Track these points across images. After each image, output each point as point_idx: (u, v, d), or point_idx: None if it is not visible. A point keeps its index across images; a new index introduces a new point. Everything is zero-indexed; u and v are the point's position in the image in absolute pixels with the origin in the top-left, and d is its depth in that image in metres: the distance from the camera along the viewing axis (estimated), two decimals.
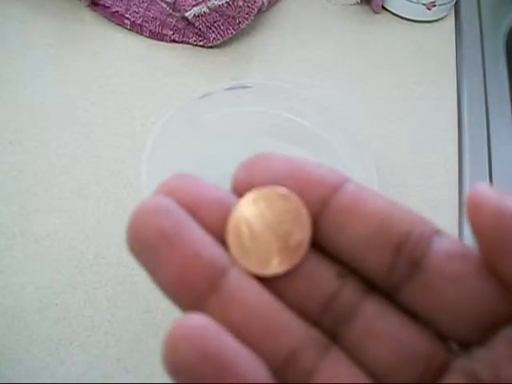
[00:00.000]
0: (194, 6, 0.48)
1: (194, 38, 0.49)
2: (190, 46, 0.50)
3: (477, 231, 0.12)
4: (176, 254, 0.12)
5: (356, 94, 0.47)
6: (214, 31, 0.48)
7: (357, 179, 0.14)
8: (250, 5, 0.48)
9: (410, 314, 0.13)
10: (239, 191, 0.14)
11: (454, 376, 0.13)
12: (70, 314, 0.33)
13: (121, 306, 0.33)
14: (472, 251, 0.13)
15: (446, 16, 0.56)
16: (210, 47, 0.49)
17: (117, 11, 0.50)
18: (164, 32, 0.49)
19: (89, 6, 0.51)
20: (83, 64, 0.47)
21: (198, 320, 0.12)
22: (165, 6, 0.49)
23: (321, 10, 0.55)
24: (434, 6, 0.53)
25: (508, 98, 0.50)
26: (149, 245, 0.12)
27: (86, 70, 0.47)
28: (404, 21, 0.55)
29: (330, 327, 0.13)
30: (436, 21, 0.55)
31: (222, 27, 0.48)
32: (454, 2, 0.55)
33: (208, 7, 0.47)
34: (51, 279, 0.34)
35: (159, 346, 0.33)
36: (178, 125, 0.36)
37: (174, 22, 0.49)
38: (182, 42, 0.50)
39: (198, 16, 0.47)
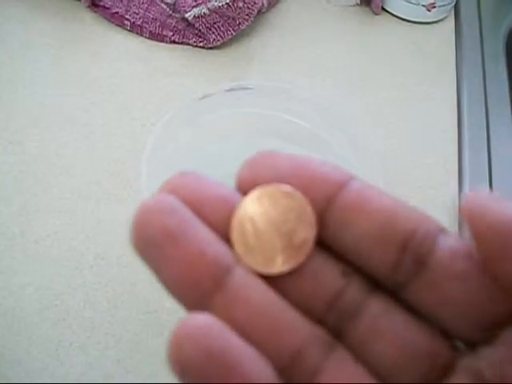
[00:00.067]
0: (194, 7, 0.48)
1: (193, 39, 0.49)
2: (190, 47, 0.50)
3: (477, 237, 0.12)
4: (181, 252, 0.12)
5: (356, 95, 0.47)
6: (213, 32, 0.48)
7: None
8: (249, 6, 0.48)
9: (415, 312, 0.13)
10: (243, 189, 0.14)
11: (460, 375, 0.13)
12: (70, 315, 0.33)
13: (121, 307, 0.33)
14: None
15: (445, 17, 0.56)
16: (210, 48, 0.49)
17: (117, 12, 0.50)
18: (164, 33, 0.49)
19: (89, 6, 0.51)
20: (83, 64, 0.47)
21: (203, 319, 0.12)
22: (165, 7, 0.49)
23: (321, 11, 0.55)
24: (434, 7, 0.53)
25: (508, 98, 0.50)
26: (153, 243, 0.12)
27: (86, 70, 0.47)
28: (404, 22, 0.55)
29: (335, 326, 0.13)
30: (436, 22, 0.55)
31: (221, 28, 0.48)
32: (453, 4, 0.55)
33: (208, 8, 0.47)
34: (51, 280, 0.34)
35: (159, 347, 0.33)
36: (177, 126, 0.36)
37: (173, 23, 0.49)
38: (181, 43, 0.50)
39: (198, 17, 0.47)
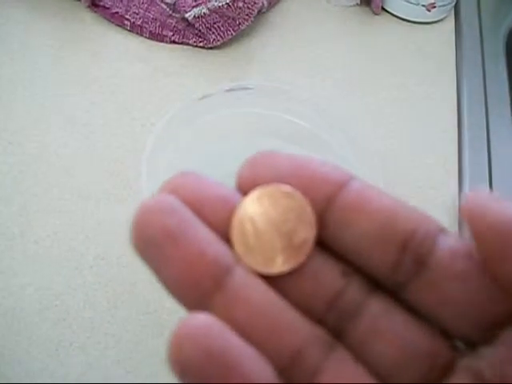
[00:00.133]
0: (193, 7, 0.48)
1: (193, 39, 0.49)
2: (190, 47, 0.50)
3: (477, 237, 0.12)
4: (181, 252, 0.12)
5: (356, 95, 0.47)
6: (213, 32, 0.48)
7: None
8: (250, 6, 0.48)
9: (415, 312, 0.13)
10: (243, 189, 0.14)
11: (460, 375, 0.13)
12: (70, 315, 0.33)
13: (120, 307, 0.33)
14: None
15: (445, 17, 0.56)
16: (210, 48, 0.49)
17: (117, 12, 0.50)
18: (164, 33, 0.49)
19: (89, 6, 0.51)
20: (83, 64, 0.47)
21: (203, 319, 0.12)
22: (165, 7, 0.49)
23: (321, 11, 0.55)
24: (434, 7, 0.53)
25: (508, 98, 0.50)
26: (153, 243, 0.12)
27: (86, 70, 0.47)
28: (404, 22, 0.55)
29: (335, 326, 0.13)
30: (436, 22, 0.55)
31: (221, 28, 0.48)
32: (453, 4, 0.55)
33: (208, 8, 0.47)
34: (51, 280, 0.34)
35: (159, 347, 0.33)
36: (177, 126, 0.36)
37: (173, 23, 0.49)
38: (181, 43, 0.50)
39: (198, 17, 0.47)
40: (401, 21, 0.55)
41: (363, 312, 0.13)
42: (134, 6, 0.50)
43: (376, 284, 0.14)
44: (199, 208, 0.13)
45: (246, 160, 0.14)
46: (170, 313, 0.33)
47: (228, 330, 0.12)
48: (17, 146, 0.41)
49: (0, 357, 0.31)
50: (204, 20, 0.48)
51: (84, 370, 0.31)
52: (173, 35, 0.49)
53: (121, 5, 0.50)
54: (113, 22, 0.51)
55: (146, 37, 0.50)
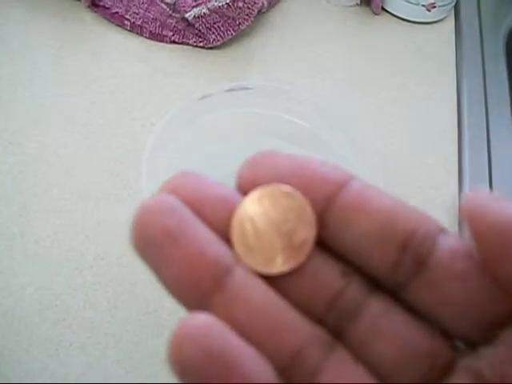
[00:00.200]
0: (193, 7, 0.48)
1: (193, 39, 0.49)
2: (190, 47, 0.50)
3: (477, 237, 0.12)
4: (181, 252, 0.12)
5: (356, 95, 0.47)
6: (213, 32, 0.48)
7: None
8: (250, 6, 0.48)
9: (415, 312, 0.13)
10: (243, 189, 0.14)
11: (460, 375, 0.13)
12: (70, 315, 0.33)
13: (120, 307, 0.33)
14: None
15: (445, 17, 0.56)
16: (210, 48, 0.49)
17: (117, 12, 0.50)
18: (164, 33, 0.49)
19: (89, 6, 0.51)
20: (83, 64, 0.47)
21: (203, 319, 0.12)
22: (165, 7, 0.49)
23: (321, 11, 0.55)
24: (434, 7, 0.53)
25: (508, 98, 0.50)
26: (153, 243, 0.12)
27: (86, 70, 0.47)
28: (404, 22, 0.55)
29: (335, 325, 0.13)
30: (436, 22, 0.55)
31: (221, 28, 0.48)
32: (453, 4, 0.55)
33: (208, 8, 0.47)
34: (51, 280, 0.34)
35: (159, 347, 0.33)
36: (177, 126, 0.36)
37: (173, 23, 0.49)
38: (181, 43, 0.50)
39: (198, 17, 0.47)
40: (401, 21, 0.55)
41: (363, 312, 0.13)
42: (134, 6, 0.50)
43: (376, 284, 0.14)
44: (199, 208, 0.13)
45: (246, 160, 0.14)
46: (170, 313, 0.33)
47: (228, 330, 0.12)
48: (17, 146, 0.41)
49: (0, 357, 0.31)
50: (204, 20, 0.48)
51: (84, 370, 0.31)
52: (173, 35, 0.49)
53: (121, 5, 0.50)
54: (113, 22, 0.51)
55: (146, 37, 0.50)
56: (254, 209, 0.14)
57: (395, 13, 0.55)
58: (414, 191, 0.41)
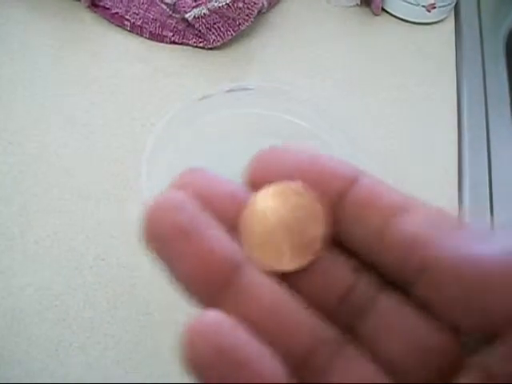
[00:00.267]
0: (193, 7, 0.48)
1: (193, 40, 0.49)
2: (190, 48, 0.50)
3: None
4: (193, 248, 0.12)
5: (356, 95, 0.47)
6: (213, 33, 0.48)
7: None
8: (250, 6, 0.48)
9: (425, 308, 0.13)
10: (252, 185, 0.14)
11: (469, 372, 0.13)
12: (70, 316, 0.33)
13: (120, 308, 0.33)
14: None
15: (445, 18, 0.56)
16: (210, 49, 0.49)
17: (117, 12, 0.50)
18: (164, 33, 0.49)
19: (89, 7, 0.51)
20: (83, 64, 0.47)
21: (214, 316, 0.12)
22: (165, 7, 0.49)
23: (321, 12, 0.55)
24: (434, 8, 0.53)
25: (508, 99, 0.50)
26: (165, 239, 0.12)
27: (86, 70, 0.47)
28: (404, 23, 0.55)
29: (346, 321, 0.13)
30: (436, 23, 0.55)
31: (221, 29, 0.48)
32: (453, 4, 0.55)
33: (208, 9, 0.47)
34: (51, 280, 0.34)
35: (158, 348, 0.33)
36: (177, 126, 0.36)
37: (173, 24, 0.49)
38: (181, 44, 0.50)
39: (198, 17, 0.47)
40: (401, 21, 0.55)
41: (373, 308, 0.13)
42: (134, 6, 0.50)
43: (386, 280, 0.14)
44: (208, 204, 0.13)
45: (254, 156, 0.14)
46: (171, 314, 0.33)
47: (239, 328, 0.12)
48: (17, 146, 0.41)
49: (0, 357, 0.31)
50: (204, 20, 0.48)
51: (84, 370, 0.31)
52: (173, 36, 0.49)
53: (121, 5, 0.50)
54: (113, 23, 0.51)
55: (145, 37, 0.50)
56: (264, 206, 0.13)
57: (395, 13, 0.55)
58: (413, 191, 0.41)
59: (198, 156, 0.37)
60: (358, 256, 0.14)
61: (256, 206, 0.13)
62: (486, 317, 0.12)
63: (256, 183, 0.14)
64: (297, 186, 0.13)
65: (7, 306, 0.33)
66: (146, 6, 0.50)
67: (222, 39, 0.48)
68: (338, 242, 0.14)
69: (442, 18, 0.55)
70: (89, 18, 0.51)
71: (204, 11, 0.47)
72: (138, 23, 0.50)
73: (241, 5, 0.47)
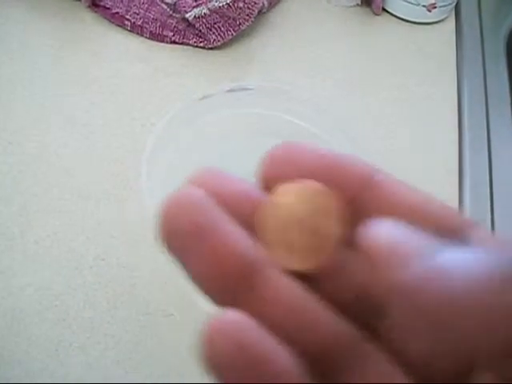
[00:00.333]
0: (194, 7, 0.48)
1: (194, 40, 0.49)
2: (191, 48, 0.50)
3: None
4: (210, 246, 0.12)
5: (356, 95, 0.47)
6: (214, 32, 0.48)
7: None
8: (250, 6, 0.48)
9: None
10: (266, 183, 0.14)
11: (485, 372, 0.12)
12: (70, 316, 0.33)
13: (120, 308, 0.33)
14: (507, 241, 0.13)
15: (446, 18, 0.56)
16: (211, 48, 0.49)
17: (117, 12, 0.50)
18: (164, 33, 0.49)
19: (89, 6, 0.51)
20: (83, 64, 0.47)
21: (233, 315, 0.12)
22: (165, 7, 0.49)
23: (321, 12, 0.55)
24: (435, 7, 0.53)
25: (508, 99, 0.50)
26: (182, 236, 0.12)
27: (86, 70, 0.47)
28: (404, 22, 0.55)
29: (364, 317, 0.13)
30: (436, 22, 0.55)
31: (222, 28, 0.48)
32: (454, 4, 0.55)
33: (208, 8, 0.47)
34: (51, 280, 0.34)
35: (159, 348, 0.33)
36: (178, 126, 0.36)
37: (174, 24, 0.49)
38: (182, 44, 0.50)
39: (199, 17, 0.47)
40: (401, 21, 0.55)
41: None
42: (134, 6, 0.50)
43: None
44: (222, 203, 0.13)
45: (268, 154, 0.14)
46: (171, 314, 0.33)
47: (258, 326, 0.12)
48: (17, 146, 0.41)
49: (0, 357, 0.31)
50: (204, 20, 0.48)
51: (84, 371, 0.31)
52: (173, 35, 0.49)
53: (121, 5, 0.50)
54: (113, 23, 0.51)
55: (146, 37, 0.50)
56: (280, 205, 0.13)
57: (396, 13, 0.55)
58: None
59: (198, 156, 0.37)
60: None
61: (273, 205, 0.13)
62: None
63: (270, 181, 0.14)
64: (313, 184, 0.13)
65: (7, 306, 0.33)
66: (146, 5, 0.50)
67: (223, 39, 0.48)
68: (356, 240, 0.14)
69: (442, 17, 0.55)
70: (89, 17, 0.51)
71: (204, 11, 0.47)
72: (139, 23, 0.50)
73: (241, 4, 0.47)
